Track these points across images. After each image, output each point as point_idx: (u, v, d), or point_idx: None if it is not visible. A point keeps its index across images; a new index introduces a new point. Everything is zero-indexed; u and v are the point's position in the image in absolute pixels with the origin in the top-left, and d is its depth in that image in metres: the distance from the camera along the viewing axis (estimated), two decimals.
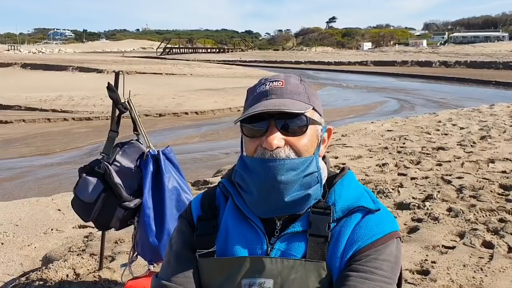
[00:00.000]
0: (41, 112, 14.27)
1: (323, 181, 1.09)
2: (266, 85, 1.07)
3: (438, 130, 9.52)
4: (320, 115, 1.11)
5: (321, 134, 1.10)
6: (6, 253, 4.36)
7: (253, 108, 1.02)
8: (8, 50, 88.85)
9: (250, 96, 1.10)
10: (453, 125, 10.16)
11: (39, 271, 3.61)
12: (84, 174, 2.66)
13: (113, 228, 2.81)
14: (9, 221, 5.14)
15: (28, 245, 4.51)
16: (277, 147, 1.00)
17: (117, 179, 2.62)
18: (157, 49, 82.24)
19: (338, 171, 1.17)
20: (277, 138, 1.00)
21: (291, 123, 1.02)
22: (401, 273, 1.10)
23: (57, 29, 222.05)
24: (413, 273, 3.42)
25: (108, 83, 2.87)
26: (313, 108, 1.07)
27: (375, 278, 0.98)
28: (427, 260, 3.61)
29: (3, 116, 13.43)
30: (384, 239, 1.03)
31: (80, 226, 4.86)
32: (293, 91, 1.06)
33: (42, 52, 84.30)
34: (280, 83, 1.06)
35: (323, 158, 1.18)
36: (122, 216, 2.65)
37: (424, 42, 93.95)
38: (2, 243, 4.56)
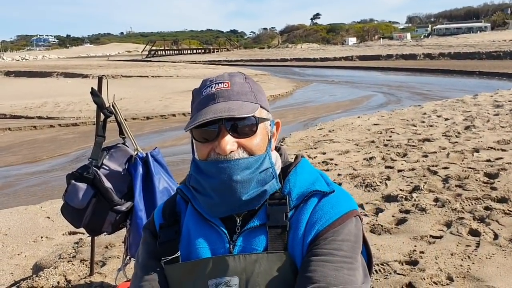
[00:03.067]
0: (26, 119, 14.13)
1: (278, 173, 1.10)
2: (212, 87, 1.07)
3: (423, 122, 9.62)
4: (268, 110, 1.12)
5: (270, 129, 1.12)
6: None
7: (202, 114, 1.02)
8: None
9: (197, 99, 1.10)
10: (438, 116, 10.27)
11: (30, 279, 3.60)
12: (73, 181, 2.65)
13: (105, 233, 2.82)
14: None
15: (18, 254, 4.48)
16: (231, 152, 1.02)
17: (108, 183, 2.62)
18: (142, 51, 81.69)
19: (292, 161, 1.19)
20: (229, 143, 1.02)
21: (241, 125, 1.03)
22: (370, 253, 1.11)
23: (40, 35, 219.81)
24: (402, 264, 3.47)
25: (92, 88, 2.87)
26: (261, 106, 1.08)
27: (335, 259, 0.99)
28: (415, 250, 3.67)
29: None
30: (341, 219, 1.04)
31: (70, 233, 4.85)
32: (240, 92, 1.06)
33: (26, 59, 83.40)
34: (225, 85, 1.07)
35: (278, 150, 1.20)
36: (115, 220, 2.66)
37: (408, 35, 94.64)
38: None
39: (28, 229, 5.13)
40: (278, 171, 1.12)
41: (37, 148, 10.71)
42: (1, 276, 4.07)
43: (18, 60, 79.95)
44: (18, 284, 3.64)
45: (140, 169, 2.68)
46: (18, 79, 32.78)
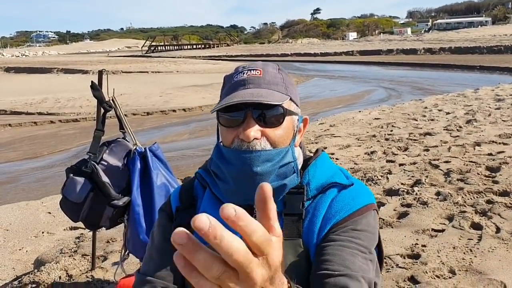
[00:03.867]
0: (27, 115, 14.11)
1: (299, 169, 1.09)
2: (243, 73, 1.06)
3: (424, 116, 9.60)
4: (297, 105, 1.11)
5: (297, 124, 1.11)
6: None
7: (230, 98, 1.01)
8: None
9: (227, 84, 1.09)
10: (439, 110, 10.25)
11: (32, 274, 3.60)
12: (72, 175, 2.65)
13: (103, 228, 2.81)
14: (0, 226, 5.11)
15: (20, 249, 4.48)
16: (254, 139, 1.00)
17: (105, 178, 2.61)
18: (142, 47, 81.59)
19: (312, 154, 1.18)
20: (254, 130, 1.00)
21: (268, 114, 1.01)
22: (382, 249, 1.11)
23: (39, 32, 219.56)
24: (404, 258, 3.46)
25: (92, 82, 2.85)
26: (290, 99, 1.07)
27: (352, 246, 0.98)
28: (417, 244, 3.66)
29: None
30: (361, 210, 1.04)
31: (71, 228, 4.84)
32: (271, 81, 1.05)
33: (26, 55, 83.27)
34: (258, 72, 1.05)
35: (299, 144, 1.18)
36: (112, 214, 2.65)
37: (409, 30, 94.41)
38: None
39: (30, 224, 5.12)
40: (300, 165, 1.11)
41: (38, 144, 10.70)
42: (2, 271, 4.07)
43: (18, 56, 79.86)
44: (19, 279, 3.63)
45: (138, 164, 2.67)
46: (18, 75, 32.73)
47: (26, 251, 4.45)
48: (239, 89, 1.03)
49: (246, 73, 1.05)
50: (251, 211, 1.07)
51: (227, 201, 1.07)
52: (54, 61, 45.75)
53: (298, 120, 1.11)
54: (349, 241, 0.99)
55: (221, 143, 1.07)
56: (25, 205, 5.83)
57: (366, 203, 1.06)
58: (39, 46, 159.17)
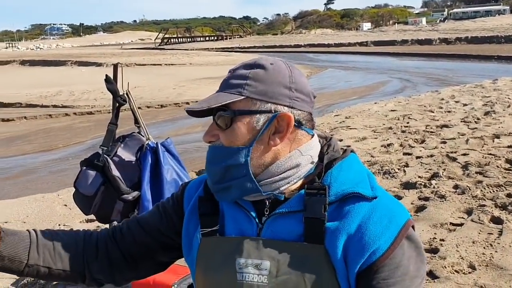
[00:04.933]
0: (42, 108, 14.25)
1: (298, 177, 1.03)
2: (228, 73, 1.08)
3: (441, 108, 9.45)
4: (272, 102, 1.01)
5: (264, 124, 1.00)
6: None
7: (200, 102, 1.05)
8: (6, 48, 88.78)
9: None
10: (456, 102, 10.08)
11: None
12: (84, 167, 2.64)
13: (115, 221, 2.80)
14: (17, 219, 5.16)
15: None
16: (209, 141, 1.05)
17: (116, 172, 2.59)
18: (155, 39, 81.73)
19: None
20: (209, 134, 1.04)
21: (216, 118, 1.03)
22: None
23: (53, 24, 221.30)
24: None
25: (106, 75, 2.82)
26: (249, 97, 0.99)
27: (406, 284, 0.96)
28: (435, 238, 3.60)
29: (4, 114, 13.42)
30: (401, 234, 0.97)
31: (88, 221, 4.87)
32: (232, 83, 1.02)
33: (40, 48, 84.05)
34: (229, 74, 1.06)
35: (329, 140, 1.10)
36: (122, 209, 2.64)
37: (424, 20, 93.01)
38: None
39: (46, 217, 5.17)
40: (303, 174, 1.03)
41: (53, 137, 10.80)
42: None
43: (33, 49, 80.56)
44: None
45: (149, 159, 2.64)
46: (33, 68, 33.09)
47: None
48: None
49: (227, 75, 1.07)
50: (263, 205, 1.04)
51: (239, 200, 1.05)
52: (68, 53, 46.12)
53: (266, 119, 1.00)
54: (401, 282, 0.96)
55: None
56: (42, 198, 5.88)
57: (404, 221, 0.98)
58: (53, 38, 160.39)
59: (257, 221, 1.03)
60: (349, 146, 6.64)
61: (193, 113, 1.06)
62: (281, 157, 1.02)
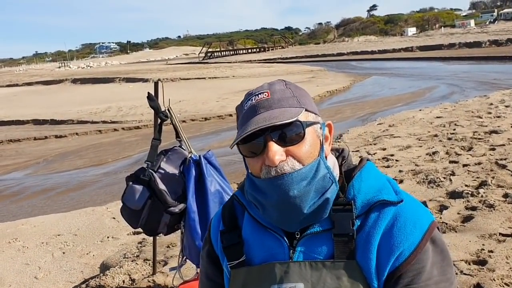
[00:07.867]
0: (92, 124, 14.86)
1: (337, 178, 1.05)
2: (252, 100, 1.04)
3: (490, 113, 9.12)
4: (316, 113, 1.06)
5: (321, 133, 1.05)
6: (68, 261, 4.59)
7: (244, 128, 0.99)
8: (59, 67, 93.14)
9: (240, 114, 1.07)
10: (506, 106, 9.70)
11: (98, 278, 3.77)
12: (131, 183, 2.75)
13: (161, 234, 2.89)
14: (69, 231, 5.40)
15: (87, 253, 4.72)
16: (280, 161, 0.97)
17: (162, 185, 2.69)
18: (199, 54, 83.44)
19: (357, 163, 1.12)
20: (277, 153, 0.97)
21: (288, 133, 0.98)
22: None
23: (102, 43, 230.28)
24: (469, 264, 3.30)
25: (148, 93, 2.95)
26: (306, 109, 1.03)
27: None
28: (483, 249, 3.47)
29: (58, 131, 14.11)
30: (425, 238, 0.98)
31: (134, 233, 5.03)
32: (281, 99, 1.02)
33: (90, 66, 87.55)
34: (265, 94, 1.03)
35: (342, 152, 1.14)
36: (169, 221, 2.73)
37: (472, 22, 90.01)
38: (64, 252, 4.80)
39: (96, 230, 5.38)
40: (337, 175, 1.06)
41: (102, 151, 11.23)
42: (72, 275, 4.30)
43: (83, 67, 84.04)
44: (87, 282, 3.82)
45: (193, 172, 2.72)
46: (83, 86, 34.55)
47: (93, 255, 4.67)
48: (252, 117, 1.01)
49: (255, 99, 1.03)
50: (294, 236, 1.06)
51: (265, 221, 1.05)
52: (116, 70, 47.84)
53: (320, 128, 1.06)
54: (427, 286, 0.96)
55: (251, 173, 1.05)
56: (91, 211, 6.12)
57: (427, 224, 0.99)
58: (102, 57, 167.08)
59: (287, 244, 1.04)
60: (393, 155, 6.53)
61: (246, 137, 1.00)
62: (332, 164, 1.07)
